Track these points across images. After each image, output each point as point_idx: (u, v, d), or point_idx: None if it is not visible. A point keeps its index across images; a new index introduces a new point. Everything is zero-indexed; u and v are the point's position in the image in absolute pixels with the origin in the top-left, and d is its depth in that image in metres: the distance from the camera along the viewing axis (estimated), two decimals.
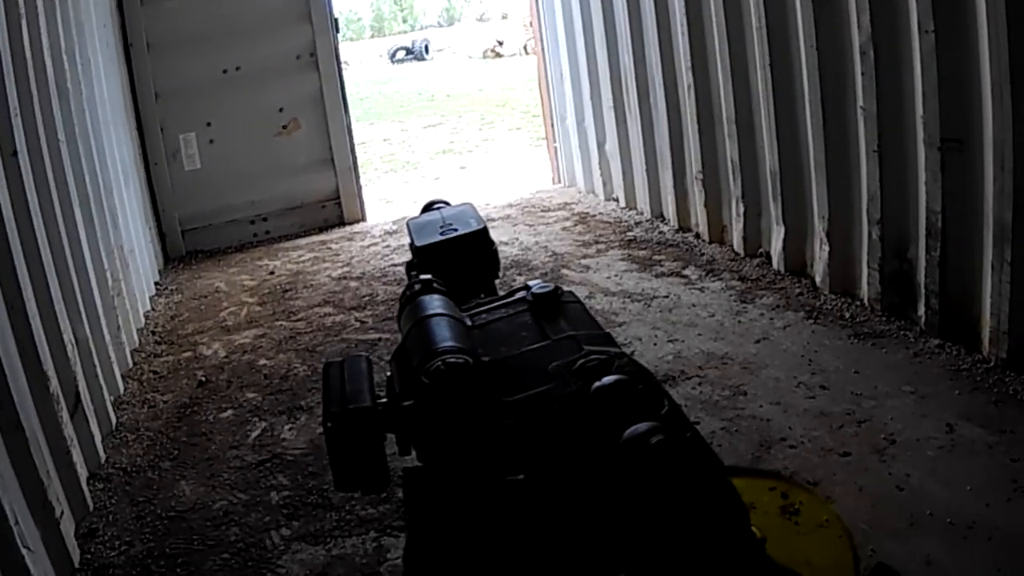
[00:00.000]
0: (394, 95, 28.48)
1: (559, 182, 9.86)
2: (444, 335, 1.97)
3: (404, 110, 23.40)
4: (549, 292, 2.12)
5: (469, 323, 2.10)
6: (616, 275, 6.53)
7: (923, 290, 4.85)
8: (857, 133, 5.10)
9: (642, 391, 1.70)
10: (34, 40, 4.94)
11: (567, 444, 1.69)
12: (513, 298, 2.22)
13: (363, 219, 9.32)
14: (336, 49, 9.02)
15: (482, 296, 2.39)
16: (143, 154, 8.58)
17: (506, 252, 7.36)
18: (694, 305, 5.77)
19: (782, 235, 5.98)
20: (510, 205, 9.12)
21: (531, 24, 9.86)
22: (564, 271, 6.74)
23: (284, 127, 8.97)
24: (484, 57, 42.26)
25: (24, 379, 3.85)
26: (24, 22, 4.76)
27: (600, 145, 8.64)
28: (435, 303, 2.15)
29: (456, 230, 2.55)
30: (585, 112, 8.85)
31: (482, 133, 16.91)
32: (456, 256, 2.45)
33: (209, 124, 8.82)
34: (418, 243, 2.56)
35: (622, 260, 6.86)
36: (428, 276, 2.29)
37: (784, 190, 5.87)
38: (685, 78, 6.76)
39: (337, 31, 8.98)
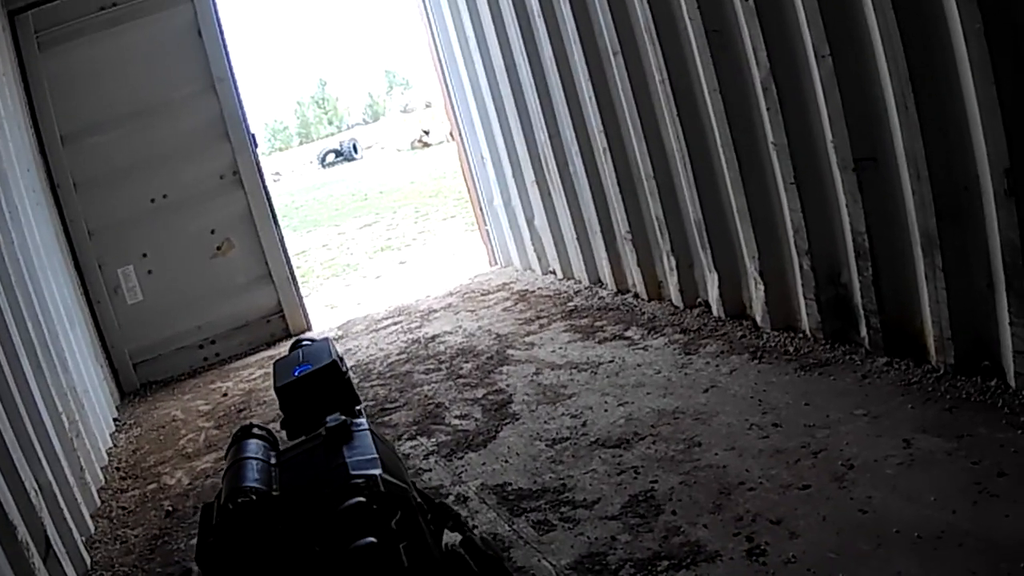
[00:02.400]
0: (328, 200, 28.68)
1: (496, 263, 9.91)
2: (244, 476, 2.23)
3: (339, 213, 23.58)
4: (338, 425, 2.33)
5: (273, 462, 2.35)
6: (560, 347, 6.53)
7: (862, 311, 4.91)
8: (773, 168, 5.19)
9: (376, 511, 2.04)
10: None
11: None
12: (318, 433, 2.42)
13: (309, 328, 9.32)
14: (258, 164, 9.08)
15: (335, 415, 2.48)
16: (84, 292, 8.55)
17: (450, 341, 7.39)
18: (639, 365, 5.78)
19: (716, 282, 6.03)
20: (450, 294, 9.15)
21: (447, 113, 9.91)
22: (509, 351, 6.72)
23: (218, 248, 8.97)
24: (412, 148, 42.74)
25: None
26: None
27: (529, 222, 8.71)
28: (249, 447, 2.40)
29: (309, 366, 2.68)
30: (511, 192, 8.94)
31: (418, 226, 17.01)
32: (310, 391, 2.61)
33: (145, 255, 8.83)
34: (276, 384, 2.69)
35: (565, 331, 6.86)
36: (248, 423, 2.51)
37: (711, 238, 5.94)
38: (600, 141, 6.86)
39: (256, 146, 9.00)
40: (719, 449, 4.42)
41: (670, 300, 6.71)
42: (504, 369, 6.37)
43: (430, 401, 6.14)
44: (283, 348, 8.72)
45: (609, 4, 6.14)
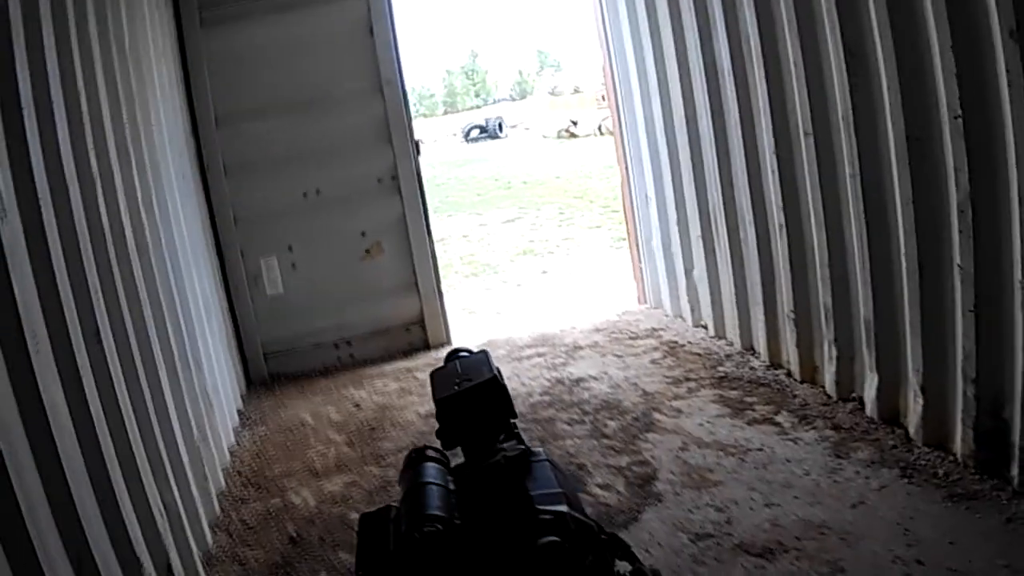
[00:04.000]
0: (470, 180, 29.03)
1: (645, 302, 10.13)
2: (428, 503, 2.24)
3: (481, 200, 23.89)
4: (519, 454, 2.35)
5: (452, 487, 2.36)
6: (709, 421, 6.70)
7: (1017, 451, 4.97)
8: (953, 291, 5.24)
9: (570, 550, 2.00)
10: (111, 208, 5.20)
11: None
12: (496, 461, 2.40)
13: (448, 342, 9.61)
14: (418, 172, 9.38)
15: (502, 440, 2.52)
16: (224, 279, 8.98)
17: (595, 389, 7.61)
18: (788, 460, 5.91)
19: (875, 383, 6.13)
20: (597, 330, 9.37)
21: (616, 152, 10.10)
22: (655, 415, 6.92)
23: (367, 251, 9.35)
24: (558, 137, 42.87)
25: (116, 563, 4.09)
26: (99, 190, 5.02)
27: (688, 272, 8.90)
28: (428, 471, 2.41)
29: (470, 380, 2.59)
30: (672, 238, 9.13)
31: (561, 230, 17.26)
32: (470, 405, 2.51)
33: (290, 248, 9.24)
34: (437, 396, 2.64)
35: (714, 402, 7.03)
36: (423, 446, 2.55)
37: (878, 340, 6.04)
38: (776, 218, 6.98)
39: (418, 153, 9.31)
40: None
41: (823, 387, 6.82)
42: (649, 436, 6.57)
43: (572, 460, 6.33)
44: (419, 359, 9.14)
45: (807, 83, 6.23)
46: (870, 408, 6.24)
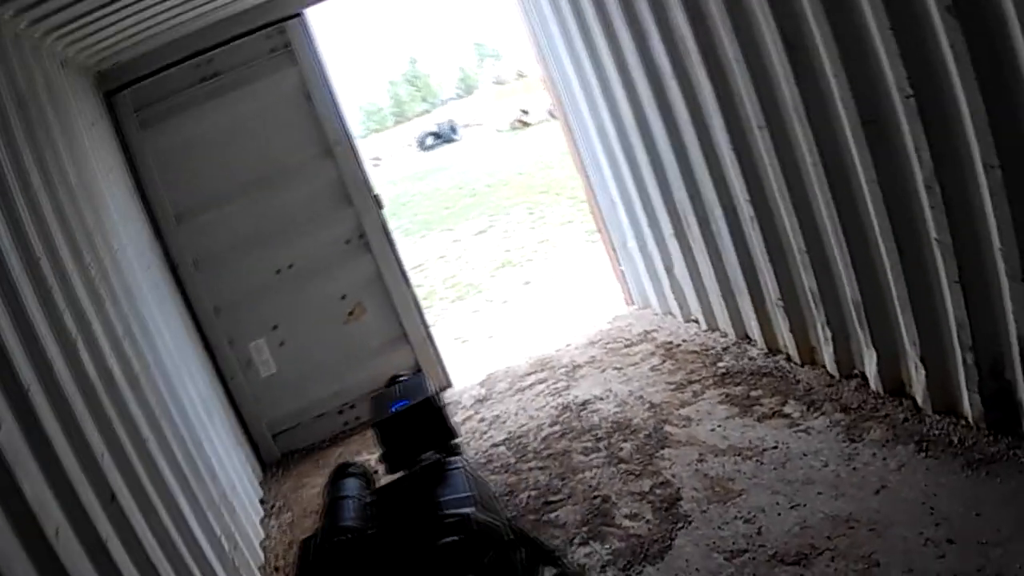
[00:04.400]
0: (435, 193, 29.04)
1: (633, 303, 10.17)
2: (341, 515, 2.48)
3: (450, 213, 23.88)
4: (432, 464, 2.63)
5: (368, 500, 2.58)
6: (719, 425, 6.74)
7: None
8: (936, 264, 5.29)
9: (470, 549, 2.24)
10: (96, 356, 5.23)
11: None
12: (413, 471, 2.70)
13: (449, 384, 9.62)
14: (385, 226, 9.35)
15: (443, 456, 2.81)
16: (217, 371, 8.96)
17: (603, 411, 7.63)
18: (805, 455, 5.96)
19: (875, 359, 6.20)
20: (591, 343, 9.40)
21: (573, 159, 10.09)
22: (667, 428, 6.95)
23: (350, 313, 9.34)
24: (512, 129, 42.86)
25: None
26: (80, 345, 5.02)
27: (668, 270, 8.92)
28: (346, 486, 2.65)
29: (406, 402, 2.89)
30: (646, 239, 9.16)
31: (535, 232, 17.24)
32: (407, 426, 2.81)
33: (275, 327, 9.21)
34: (374, 420, 2.94)
35: (720, 403, 7.08)
36: (344, 463, 2.82)
37: (870, 318, 6.10)
38: (746, 211, 7.01)
39: (381, 207, 9.27)
40: (898, 571, 4.61)
41: (824, 367, 6.88)
42: (665, 453, 6.60)
43: (595, 494, 6.35)
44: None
45: (752, 78, 6.25)
46: (874, 383, 6.31)
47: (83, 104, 7.53)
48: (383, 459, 2.85)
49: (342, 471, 2.78)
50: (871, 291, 5.98)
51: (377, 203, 9.22)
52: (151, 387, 6.10)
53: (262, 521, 7.70)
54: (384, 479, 2.86)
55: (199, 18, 8.25)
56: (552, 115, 34.25)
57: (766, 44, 5.94)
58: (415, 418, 2.85)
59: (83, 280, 5.49)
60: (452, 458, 2.74)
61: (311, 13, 9.01)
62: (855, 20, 5.07)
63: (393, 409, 2.92)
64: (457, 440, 2.94)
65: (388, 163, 48.94)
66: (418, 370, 2.86)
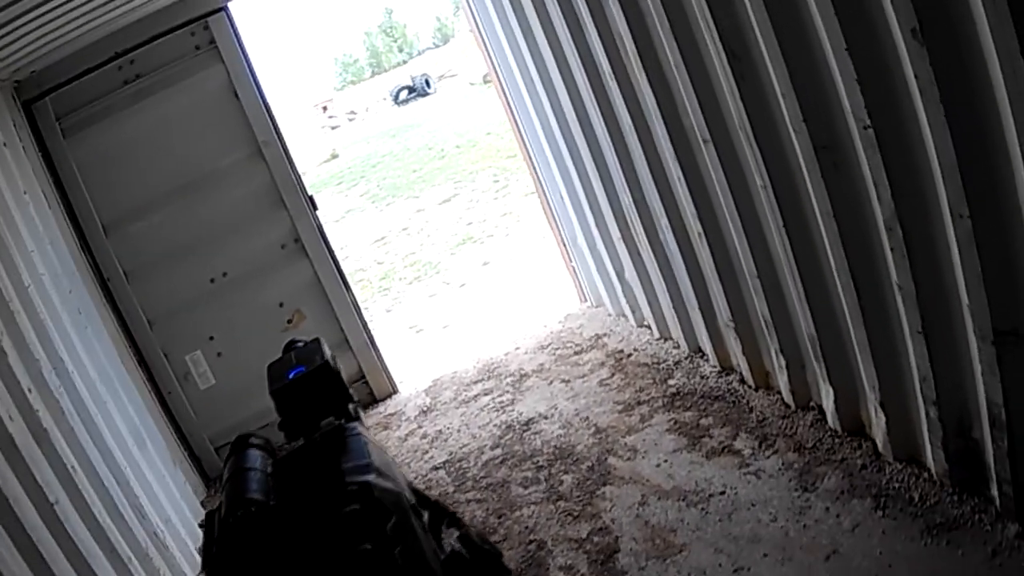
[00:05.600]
0: (404, 154, 28.56)
1: (586, 301, 9.45)
2: (243, 487, 2.38)
3: (418, 177, 23.31)
4: (331, 431, 2.57)
5: (270, 471, 2.48)
6: (665, 459, 6.06)
7: (994, 474, 4.35)
8: (898, 310, 4.55)
9: (371, 517, 2.20)
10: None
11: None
12: (313, 439, 2.61)
13: (395, 391, 9.03)
14: (320, 229, 8.65)
15: (343, 422, 2.71)
16: (154, 387, 8.32)
17: (546, 433, 6.98)
18: (754, 504, 5.29)
19: (832, 395, 5.48)
20: (541, 347, 8.71)
21: (519, 149, 9.40)
22: (611, 460, 6.28)
23: (289, 321, 8.65)
24: (485, 82, 42.22)
25: None
26: None
27: (619, 273, 8.18)
28: (248, 458, 2.53)
29: (303, 368, 2.77)
30: (595, 239, 8.39)
31: (499, 203, 16.70)
32: (305, 393, 2.69)
33: (212, 338, 8.54)
34: (271, 388, 2.78)
35: (669, 431, 6.37)
36: (245, 433, 2.67)
37: (826, 354, 5.37)
38: (694, 226, 6.26)
39: (315, 209, 8.56)
40: None
41: (780, 395, 6.17)
42: (607, 491, 5.94)
43: (532, 537, 5.76)
44: (369, 417, 8.49)
45: (694, 87, 5.45)
46: (832, 420, 5.61)
47: None
48: (281, 427, 2.68)
49: (243, 442, 2.65)
50: (827, 327, 5.25)
51: (312, 204, 8.49)
52: (67, 437, 5.61)
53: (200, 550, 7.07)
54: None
55: (119, 17, 7.48)
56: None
57: (708, 51, 5.17)
58: (313, 384, 2.70)
59: None
60: (350, 424, 2.66)
61: (235, 7, 8.24)
62: (807, 36, 4.27)
63: (291, 376, 2.74)
64: (354, 404, 2.77)
65: (363, 118, 48.39)
66: (315, 339, 2.59)
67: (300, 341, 3.14)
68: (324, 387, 2.71)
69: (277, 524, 2.27)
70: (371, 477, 2.34)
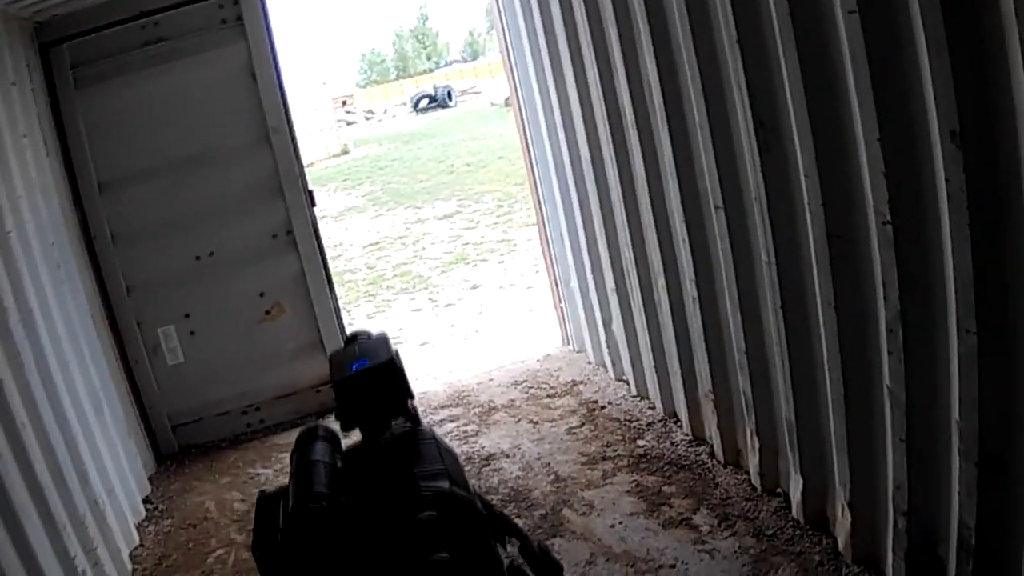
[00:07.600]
0: (414, 162, 28.49)
1: (568, 344, 9.27)
2: (314, 480, 2.29)
3: (423, 188, 23.18)
4: (405, 433, 2.47)
5: (340, 466, 2.41)
6: (621, 521, 5.85)
7: None
8: (884, 413, 4.39)
9: (449, 525, 2.11)
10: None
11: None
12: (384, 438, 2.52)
13: None
14: (315, 225, 8.48)
15: (400, 420, 2.63)
16: (122, 354, 8.12)
17: (505, 472, 6.79)
18: None
19: (801, 485, 5.31)
20: (515, 383, 8.52)
21: (528, 183, 9.28)
22: (565, 511, 6.08)
23: (267, 312, 8.46)
24: (506, 105, 42.20)
25: None
26: None
27: (606, 323, 8.01)
28: (317, 450, 2.43)
29: (366, 362, 2.60)
30: (588, 285, 8.24)
31: (498, 229, 16.56)
32: (367, 387, 2.55)
33: (187, 315, 8.36)
34: (333, 379, 2.65)
35: (629, 492, 6.17)
36: (314, 425, 2.61)
37: (801, 445, 5.21)
38: (689, 290, 6.11)
39: (313, 205, 8.40)
40: None
41: (748, 475, 6.00)
42: (556, 544, 5.74)
43: None
44: (333, 422, 8.29)
45: (715, 149, 5.31)
46: (796, 510, 5.42)
47: (4, 62, 6.71)
48: (338, 417, 2.55)
49: (312, 434, 2.55)
50: (808, 416, 5.08)
51: (310, 199, 8.33)
52: (22, 391, 5.42)
53: (140, 524, 6.99)
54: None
55: None
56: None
57: (736, 115, 5.04)
58: (377, 379, 2.55)
59: None
60: (423, 428, 2.58)
61: None
62: (840, 117, 4.12)
63: (354, 368, 2.58)
64: (413, 402, 2.62)
65: (381, 120, 48.37)
66: (382, 333, 2.53)
67: (364, 333, 2.98)
68: (387, 383, 2.57)
69: (347, 522, 2.21)
70: (446, 484, 2.28)
